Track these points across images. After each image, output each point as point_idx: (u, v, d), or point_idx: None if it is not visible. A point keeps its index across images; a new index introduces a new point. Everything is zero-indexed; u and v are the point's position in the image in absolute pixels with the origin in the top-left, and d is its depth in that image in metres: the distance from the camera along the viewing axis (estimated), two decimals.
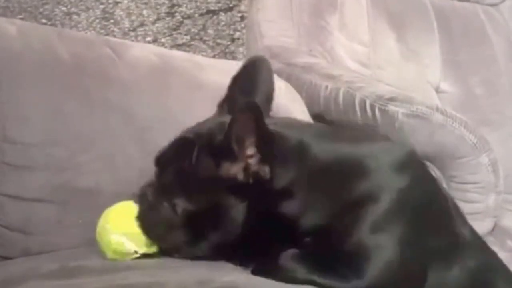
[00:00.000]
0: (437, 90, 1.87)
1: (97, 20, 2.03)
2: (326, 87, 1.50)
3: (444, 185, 1.38)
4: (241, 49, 2.14)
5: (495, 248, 1.19)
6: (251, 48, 1.72)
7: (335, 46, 1.72)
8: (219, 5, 2.15)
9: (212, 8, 2.15)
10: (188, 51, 2.03)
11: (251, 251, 0.95)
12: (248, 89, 1.03)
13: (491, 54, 1.96)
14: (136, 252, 0.97)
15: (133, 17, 2.07)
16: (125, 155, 1.15)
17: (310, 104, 1.45)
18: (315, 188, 0.94)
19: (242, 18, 2.13)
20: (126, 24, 2.07)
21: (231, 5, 2.16)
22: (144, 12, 2.08)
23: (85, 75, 1.17)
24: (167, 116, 1.20)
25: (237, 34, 2.16)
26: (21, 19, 1.88)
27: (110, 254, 0.98)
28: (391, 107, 1.38)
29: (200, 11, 2.14)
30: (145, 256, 0.98)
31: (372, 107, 1.40)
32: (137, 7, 2.08)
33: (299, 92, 1.46)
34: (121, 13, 2.06)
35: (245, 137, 0.91)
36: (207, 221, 0.94)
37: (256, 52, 1.66)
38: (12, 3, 1.93)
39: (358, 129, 1.21)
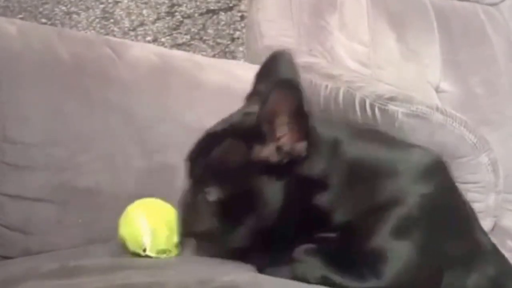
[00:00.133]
0: (437, 90, 1.87)
1: (97, 20, 2.03)
2: (326, 86, 1.50)
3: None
4: (241, 48, 2.14)
5: None
6: (251, 48, 1.71)
7: (335, 46, 1.72)
8: (219, 4, 2.15)
9: (212, 7, 2.15)
10: (188, 51, 2.03)
11: (284, 242, 0.95)
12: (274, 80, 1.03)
13: (491, 54, 1.95)
14: (144, 250, 0.98)
15: (133, 17, 2.07)
16: (125, 155, 1.15)
17: (309, 104, 1.45)
18: (346, 184, 0.95)
19: (242, 17, 2.13)
20: (126, 23, 2.07)
21: (231, 5, 2.16)
22: (144, 11, 2.08)
23: (85, 75, 1.17)
24: (167, 116, 1.20)
25: (237, 33, 2.16)
26: (21, 18, 1.88)
27: (123, 233, 0.98)
28: (391, 107, 1.38)
29: (200, 11, 2.14)
30: (147, 257, 0.99)
31: (372, 107, 1.40)
32: (137, 6, 2.08)
33: None
34: (121, 12, 2.06)
35: (277, 117, 0.91)
36: (242, 206, 0.94)
37: (256, 52, 1.66)
38: (12, 3, 1.93)
39: (388, 133, 1.22)
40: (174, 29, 2.11)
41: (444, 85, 1.87)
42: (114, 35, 2.01)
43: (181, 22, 2.12)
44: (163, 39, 2.09)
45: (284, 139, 0.92)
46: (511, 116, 1.91)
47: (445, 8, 1.95)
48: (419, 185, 0.97)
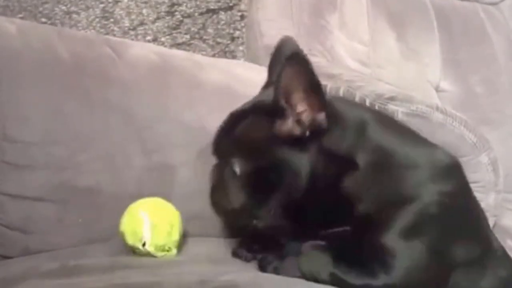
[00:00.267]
0: (437, 89, 1.87)
1: (97, 19, 2.03)
2: (326, 86, 1.50)
3: None
4: (241, 48, 2.14)
5: None
6: (251, 47, 1.71)
7: (335, 45, 1.71)
8: (219, 4, 2.15)
9: (212, 7, 2.15)
10: (188, 50, 2.03)
11: (311, 222, 0.95)
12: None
13: (491, 53, 1.96)
14: (144, 244, 0.98)
15: (133, 16, 2.07)
16: (124, 154, 1.15)
17: None
18: (373, 168, 0.95)
19: (242, 17, 2.13)
20: (126, 23, 2.07)
21: (231, 4, 2.16)
22: (144, 11, 2.08)
23: (85, 74, 1.17)
24: (167, 115, 1.20)
25: (237, 33, 2.15)
26: (21, 18, 1.88)
27: (124, 226, 0.99)
28: (391, 106, 1.38)
29: (200, 10, 2.13)
30: (148, 255, 0.99)
31: (372, 106, 1.40)
32: (137, 6, 2.08)
33: None
34: (121, 12, 2.06)
35: (293, 91, 0.92)
36: (268, 180, 0.95)
37: (256, 51, 1.66)
38: (12, 2, 1.93)
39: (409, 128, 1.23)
40: (174, 28, 2.11)
41: (444, 84, 1.88)
42: (114, 35, 2.01)
43: (181, 21, 2.12)
44: (163, 39, 2.09)
45: (303, 112, 0.93)
46: (511, 115, 1.91)
47: (445, 7, 1.95)
48: (438, 183, 0.97)
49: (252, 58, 1.64)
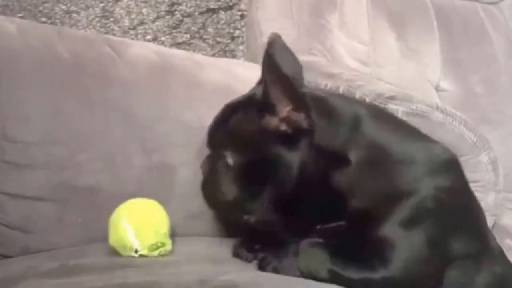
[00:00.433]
0: (437, 89, 1.87)
1: (97, 19, 2.03)
2: (326, 85, 1.50)
3: None
4: (241, 47, 2.13)
5: None
6: (251, 47, 1.71)
7: (335, 45, 1.71)
8: (219, 3, 2.15)
9: (212, 6, 2.15)
10: (188, 50, 2.03)
11: (303, 217, 0.96)
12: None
13: (491, 52, 1.95)
14: (136, 251, 0.98)
15: (133, 16, 2.07)
16: (124, 154, 1.15)
17: None
18: (366, 164, 0.96)
19: (242, 16, 2.13)
20: (126, 22, 2.07)
21: (231, 4, 2.16)
22: (144, 10, 2.08)
23: (85, 74, 1.17)
24: (166, 115, 1.20)
25: (237, 32, 2.15)
26: (21, 17, 1.88)
27: (112, 241, 0.98)
28: (391, 106, 1.38)
29: (200, 10, 2.13)
30: (144, 257, 0.98)
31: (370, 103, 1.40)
32: (137, 5, 2.08)
33: None
34: (121, 11, 2.06)
35: (278, 91, 0.94)
36: (259, 174, 0.96)
37: (256, 51, 1.66)
38: (12, 2, 1.93)
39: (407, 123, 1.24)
40: (174, 28, 2.11)
41: (444, 84, 1.87)
42: (114, 34, 2.01)
43: (181, 21, 2.12)
44: (163, 38, 2.09)
45: (288, 111, 0.95)
46: (511, 114, 1.91)
47: (445, 7, 1.95)
48: (435, 178, 0.97)
49: (252, 58, 1.64)
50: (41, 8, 1.97)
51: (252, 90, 1.05)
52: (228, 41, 2.16)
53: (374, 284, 0.91)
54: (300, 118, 0.94)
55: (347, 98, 1.06)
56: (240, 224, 1.01)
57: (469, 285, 0.97)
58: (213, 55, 2.08)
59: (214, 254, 1.07)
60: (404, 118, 1.36)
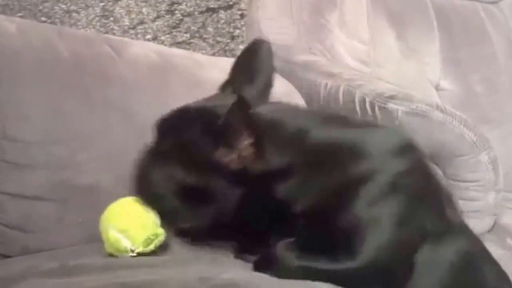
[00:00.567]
0: (437, 88, 1.87)
1: (97, 18, 2.03)
2: (326, 85, 1.50)
3: (443, 181, 1.38)
4: (241, 47, 2.13)
5: (494, 246, 1.19)
6: None
7: (335, 44, 1.71)
8: (219, 3, 2.15)
9: (212, 6, 2.15)
10: (188, 49, 2.03)
11: (248, 236, 0.96)
12: (249, 71, 1.05)
13: (491, 52, 1.96)
14: (132, 251, 0.97)
15: (133, 15, 2.07)
16: (124, 153, 1.15)
17: (309, 102, 1.46)
18: (311, 170, 0.96)
19: (242, 16, 2.13)
20: (126, 22, 2.07)
21: (230, 3, 2.16)
22: (144, 10, 2.08)
23: (84, 73, 1.17)
24: None
25: (237, 32, 2.16)
26: (21, 17, 1.88)
27: (107, 248, 0.99)
28: (391, 105, 1.38)
29: (200, 9, 2.13)
30: (144, 254, 0.98)
31: (372, 105, 1.40)
32: (137, 5, 2.08)
33: (299, 90, 1.46)
34: (121, 11, 2.06)
35: (240, 131, 0.93)
36: (201, 196, 0.96)
37: None
38: (12, 1, 1.93)
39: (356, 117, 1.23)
40: (174, 27, 2.11)
41: (444, 83, 1.88)
42: (114, 34, 2.01)
43: (181, 20, 2.12)
44: (163, 38, 2.09)
45: (245, 152, 0.94)
46: (511, 113, 1.91)
47: (445, 6, 1.95)
48: (390, 163, 0.97)
49: None
50: (41, 7, 1.97)
51: (213, 98, 1.03)
52: (228, 40, 2.16)
53: (344, 275, 0.91)
54: (256, 164, 0.94)
55: (294, 114, 1.03)
56: (174, 228, 1.00)
57: (434, 265, 0.96)
58: (213, 55, 2.08)
59: (214, 254, 1.07)
60: (404, 117, 1.37)
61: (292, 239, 0.94)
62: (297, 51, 1.64)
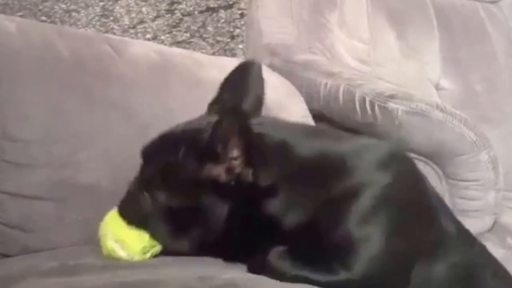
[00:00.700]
0: (437, 87, 1.87)
1: (97, 18, 2.03)
2: (326, 84, 1.50)
3: (443, 182, 1.38)
4: (240, 46, 2.14)
5: (494, 245, 1.19)
6: (251, 46, 1.72)
7: (335, 44, 1.72)
8: (219, 2, 2.15)
9: (212, 5, 2.15)
10: (188, 49, 2.03)
11: (237, 250, 0.96)
12: (238, 91, 1.04)
13: (491, 51, 1.96)
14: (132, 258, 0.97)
15: (133, 15, 2.07)
16: (124, 152, 1.15)
17: (309, 101, 1.45)
18: (298, 185, 0.95)
19: (242, 15, 2.13)
20: (126, 21, 2.07)
21: (230, 2, 2.16)
22: (144, 9, 2.08)
23: (84, 73, 1.17)
24: (166, 114, 1.20)
25: (237, 31, 2.16)
26: (21, 16, 1.88)
27: (105, 253, 0.99)
28: (391, 105, 1.38)
29: (199, 9, 2.13)
30: None
31: (372, 104, 1.40)
32: (137, 4, 2.08)
33: (299, 89, 1.46)
34: (121, 10, 2.06)
35: (229, 140, 0.92)
36: (188, 217, 0.96)
37: (255, 49, 1.66)
38: (12, 0, 1.93)
39: (341, 130, 1.22)
40: (174, 26, 2.11)
41: (444, 83, 1.88)
42: (114, 33, 2.01)
43: (181, 19, 2.12)
44: (162, 37, 2.09)
45: (236, 161, 0.93)
46: (511, 113, 1.91)
47: (445, 6, 1.95)
48: (377, 176, 0.96)
49: (252, 56, 1.64)
50: (41, 7, 1.97)
51: (195, 121, 1.03)
52: (228, 40, 2.16)
53: (340, 285, 0.91)
54: (247, 173, 0.93)
55: (280, 129, 1.02)
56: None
57: (430, 281, 0.96)
58: (213, 54, 2.08)
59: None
60: (404, 117, 1.37)
61: (284, 248, 0.94)
62: (297, 50, 1.64)
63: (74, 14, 2.00)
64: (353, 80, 1.48)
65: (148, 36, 2.07)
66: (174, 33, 2.11)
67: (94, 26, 2.02)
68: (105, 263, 0.95)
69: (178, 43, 2.09)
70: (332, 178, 0.95)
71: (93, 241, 1.03)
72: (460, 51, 1.92)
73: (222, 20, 2.15)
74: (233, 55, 2.12)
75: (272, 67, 1.49)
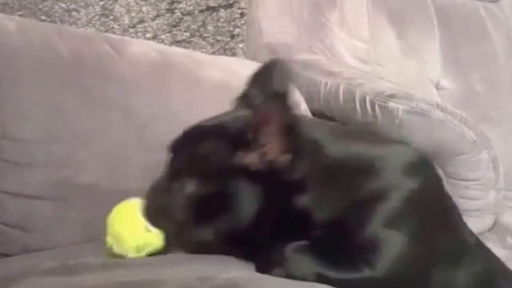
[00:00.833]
0: (437, 87, 1.87)
1: (97, 17, 2.03)
2: (326, 83, 1.50)
3: (444, 182, 1.38)
4: (241, 45, 2.14)
5: (495, 245, 1.19)
6: (251, 45, 1.71)
7: (335, 43, 1.71)
8: (219, 1, 2.15)
9: (212, 4, 2.15)
10: (188, 48, 2.03)
11: (259, 244, 0.95)
12: (265, 88, 1.04)
13: (492, 50, 1.96)
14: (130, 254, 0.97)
15: (133, 14, 2.07)
16: (124, 152, 1.15)
17: (310, 101, 1.46)
18: (327, 184, 0.96)
19: (242, 14, 2.13)
20: (126, 20, 2.07)
21: (230, 2, 2.16)
22: (144, 8, 2.08)
23: (84, 72, 1.17)
24: (166, 113, 1.20)
25: (237, 30, 2.16)
26: (21, 15, 1.88)
27: (107, 249, 0.99)
28: (391, 104, 1.38)
29: (199, 8, 2.13)
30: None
31: (372, 104, 1.40)
32: (137, 3, 2.08)
33: (299, 88, 1.46)
34: (121, 9, 2.06)
35: (265, 126, 0.92)
36: (216, 206, 0.95)
37: (256, 49, 1.66)
38: (12, 0, 1.93)
39: (372, 131, 1.22)
40: (174, 26, 2.11)
41: (445, 82, 1.87)
42: (114, 32, 2.01)
43: (181, 19, 2.12)
44: (162, 36, 2.09)
45: (268, 148, 0.93)
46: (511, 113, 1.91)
47: (445, 5, 1.95)
48: (405, 180, 0.97)
49: (252, 56, 1.64)
50: (40, 6, 1.97)
51: (226, 114, 1.03)
52: (228, 39, 2.16)
53: (361, 284, 0.92)
54: (285, 159, 0.93)
55: (308, 123, 1.04)
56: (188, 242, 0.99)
57: (448, 286, 0.97)
58: (213, 53, 2.08)
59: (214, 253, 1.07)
60: (405, 116, 1.37)
61: (304, 242, 0.94)
62: (297, 50, 1.64)
63: (74, 13, 2.00)
64: (354, 79, 1.48)
65: (148, 35, 2.07)
66: (174, 32, 2.11)
67: (94, 26, 2.02)
68: (105, 263, 0.95)
69: (178, 43, 2.09)
70: (360, 180, 0.96)
71: (93, 240, 1.03)
72: (461, 50, 1.91)
73: (222, 20, 2.15)
74: (233, 55, 2.12)
75: None
